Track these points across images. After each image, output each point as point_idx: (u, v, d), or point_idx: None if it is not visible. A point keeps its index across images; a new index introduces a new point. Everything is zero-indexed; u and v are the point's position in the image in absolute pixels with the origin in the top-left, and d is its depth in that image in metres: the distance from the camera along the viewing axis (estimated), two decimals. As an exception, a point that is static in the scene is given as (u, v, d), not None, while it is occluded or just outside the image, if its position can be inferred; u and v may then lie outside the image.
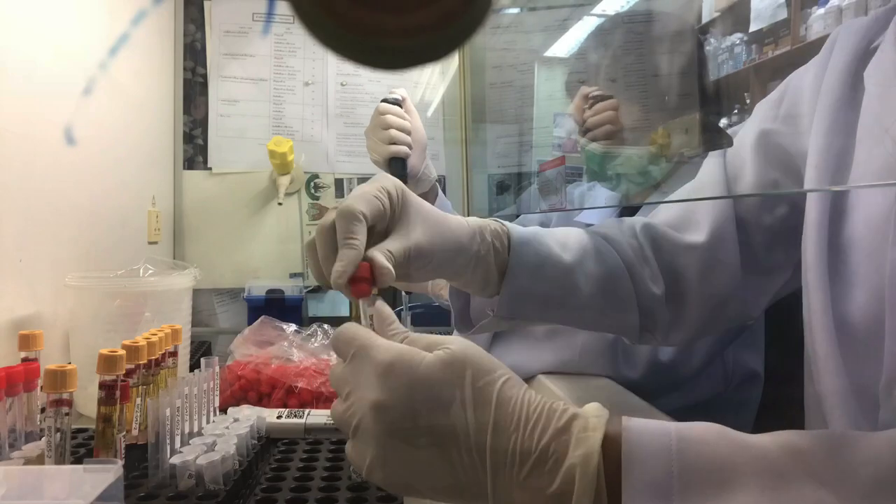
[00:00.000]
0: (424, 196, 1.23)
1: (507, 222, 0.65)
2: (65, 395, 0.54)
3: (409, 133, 1.09)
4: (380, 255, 0.51)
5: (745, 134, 0.72)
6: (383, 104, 1.11)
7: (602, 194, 1.18)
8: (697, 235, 0.70)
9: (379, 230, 0.55)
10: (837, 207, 0.59)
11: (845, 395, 0.56)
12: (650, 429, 0.41)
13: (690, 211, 0.73)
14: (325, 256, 0.53)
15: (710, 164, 0.75)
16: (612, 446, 0.40)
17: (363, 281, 0.50)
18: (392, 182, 0.57)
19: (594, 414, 0.43)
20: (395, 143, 1.07)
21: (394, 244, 0.53)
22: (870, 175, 0.55)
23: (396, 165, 1.07)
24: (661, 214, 0.76)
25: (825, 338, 0.58)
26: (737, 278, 0.69)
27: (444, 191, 1.57)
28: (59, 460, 0.54)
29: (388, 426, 0.42)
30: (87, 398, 0.79)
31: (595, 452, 0.40)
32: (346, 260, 0.50)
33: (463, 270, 0.61)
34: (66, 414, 0.54)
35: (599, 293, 0.66)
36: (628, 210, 1.09)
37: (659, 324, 0.71)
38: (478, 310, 0.68)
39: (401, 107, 1.10)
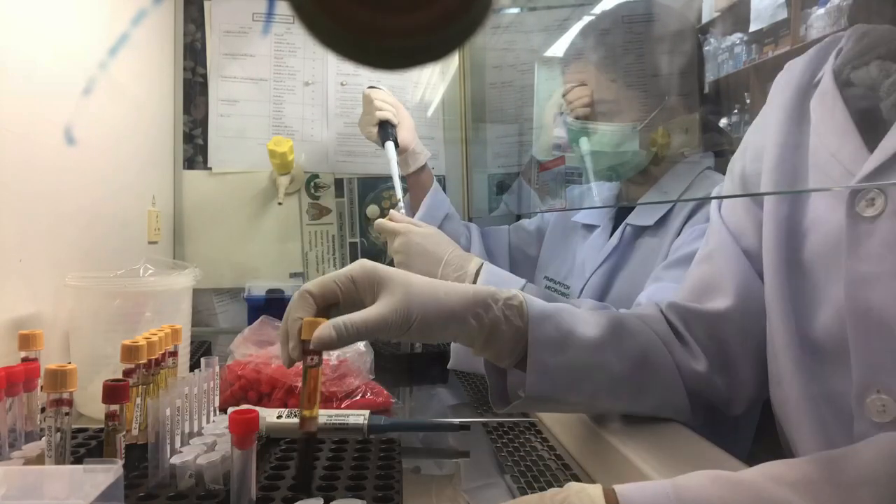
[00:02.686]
0: (417, 175, 1.28)
1: (523, 294, 0.64)
2: (65, 395, 0.54)
3: (394, 107, 1.25)
4: (325, 326, 0.56)
5: (730, 189, 0.74)
6: (367, 89, 1.26)
7: (599, 194, 1.19)
8: (724, 301, 0.69)
9: (348, 306, 0.60)
10: (794, 229, 0.62)
11: (810, 406, 0.59)
12: (647, 494, 0.43)
13: (708, 279, 0.72)
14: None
15: (715, 231, 0.75)
16: None
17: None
18: (360, 266, 0.61)
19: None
20: (382, 110, 1.23)
21: (354, 316, 0.57)
22: (827, 195, 0.59)
23: (385, 129, 1.21)
24: (679, 293, 0.75)
25: (789, 354, 0.60)
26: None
27: (444, 191, 1.57)
28: (60, 460, 0.54)
29: None
30: (87, 398, 0.79)
31: None
32: (285, 330, 0.59)
33: (465, 338, 0.61)
34: (67, 414, 0.54)
35: (636, 370, 0.65)
36: (625, 210, 1.09)
37: (713, 399, 0.69)
38: (515, 385, 0.67)
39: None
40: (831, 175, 0.58)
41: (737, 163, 0.73)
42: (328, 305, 0.60)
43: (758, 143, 0.69)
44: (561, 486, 0.46)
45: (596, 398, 0.65)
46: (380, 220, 1.11)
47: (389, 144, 1.21)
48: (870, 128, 0.55)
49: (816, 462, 0.43)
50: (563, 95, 1.11)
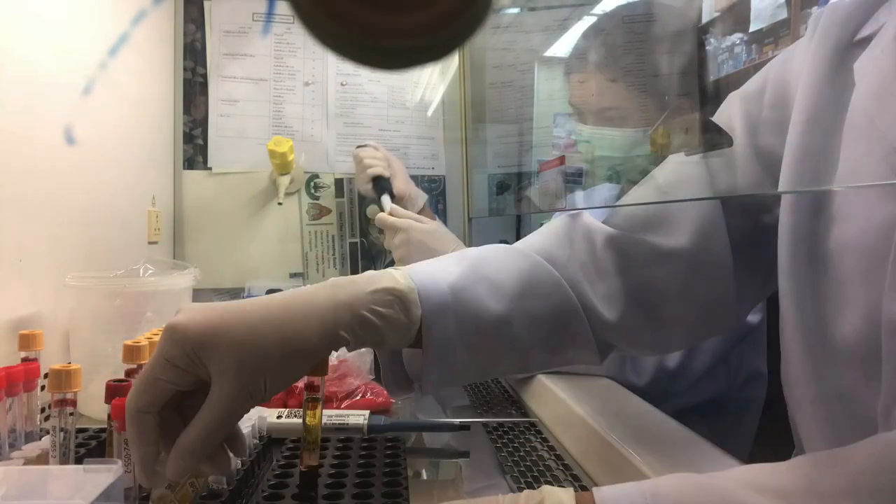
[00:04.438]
0: (420, 213, 1.28)
1: (409, 279, 0.54)
2: (69, 395, 0.54)
3: (383, 160, 1.28)
4: (170, 464, 0.45)
5: (730, 126, 0.65)
6: (355, 149, 1.32)
7: (602, 195, 1.18)
8: (678, 239, 0.63)
9: (191, 391, 0.47)
10: (821, 213, 0.53)
11: (815, 401, 0.55)
12: (624, 491, 0.42)
13: (663, 212, 0.65)
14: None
15: (687, 162, 0.69)
16: None
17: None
18: (171, 347, 0.46)
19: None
20: (372, 167, 1.25)
21: (189, 431, 0.46)
22: (861, 179, 0.50)
23: (380, 184, 1.23)
24: (621, 218, 0.68)
25: (802, 349, 0.55)
26: (726, 283, 0.63)
27: (444, 191, 1.57)
28: (64, 460, 0.54)
29: None
30: (87, 398, 0.79)
31: None
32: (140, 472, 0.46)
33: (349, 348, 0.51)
34: (71, 414, 0.54)
35: (546, 336, 0.60)
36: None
37: (618, 348, 0.66)
38: (412, 366, 0.60)
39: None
40: (879, 164, 0.48)
41: (748, 103, 0.64)
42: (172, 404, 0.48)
43: (781, 89, 0.60)
44: (562, 487, 0.45)
45: (504, 372, 0.66)
46: (381, 215, 1.11)
47: (386, 198, 1.23)
48: None
49: (801, 468, 0.41)
50: (570, 101, 1.10)
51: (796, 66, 0.59)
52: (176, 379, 0.46)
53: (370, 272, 0.55)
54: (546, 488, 0.43)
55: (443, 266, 0.59)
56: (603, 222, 0.68)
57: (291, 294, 0.51)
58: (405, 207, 1.27)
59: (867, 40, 0.53)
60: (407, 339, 0.54)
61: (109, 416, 0.54)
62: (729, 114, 0.65)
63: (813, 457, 0.42)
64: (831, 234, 0.52)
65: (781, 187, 0.57)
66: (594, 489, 0.43)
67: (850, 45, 0.55)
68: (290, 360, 0.48)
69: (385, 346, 0.55)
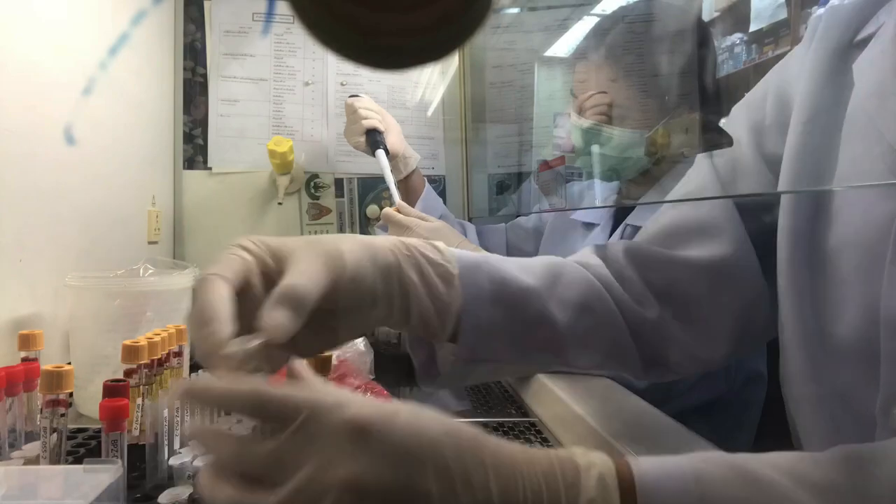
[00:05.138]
0: (409, 178, 1.28)
1: (441, 245, 0.54)
2: (61, 396, 0.54)
3: (378, 113, 1.23)
4: (272, 313, 0.40)
5: (737, 136, 0.65)
6: (348, 99, 1.26)
7: (600, 193, 1.18)
8: (708, 249, 0.62)
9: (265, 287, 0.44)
10: (820, 213, 0.53)
11: (814, 400, 0.55)
12: (668, 488, 0.37)
13: (686, 222, 0.65)
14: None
15: (700, 171, 0.68)
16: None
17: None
18: (272, 239, 0.46)
19: (600, 469, 0.37)
20: (367, 119, 1.21)
21: (287, 281, 0.42)
22: (860, 179, 0.50)
23: (373, 136, 1.18)
24: (646, 233, 0.68)
25: (801, 347, 0.55)
26: (759, 287, 0.62)
27: (444, 191, 1.57)
28: (55, 461, 0.54)
29: None
30: (87, 398, 0.79)
31: None
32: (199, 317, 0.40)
33: (385, 304, 0.49)
34: (63, 415, 0.54)
35: (576, 318, 0.57)
36: (625, 209, 1.09)
37: (661, 352, 0.62)
38: (446, 359, 0.57)
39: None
40: (878, 163, 0.48)
41: (751, 111, 0.64)
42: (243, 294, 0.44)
43: (784, 94, 0.60)
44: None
45: (537, 353, 0.58)
46: (387, 210, 1.10)
47: (380, 153, 1.20)
48: None
49: (840, 464, 0.39)
50: (574, 96, 1.09)
51: (795, 69, 0.59)
52: (248, 251, 0.44)
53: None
54: (577, 451, 0.38)
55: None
56: (636, 239, 0.68)
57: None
58: (398, 166, 1.27)
59: (867, 41, 0.53)
60: (452, 292, 0.52)
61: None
62: (734, 124, 0.65)
63: (843, 451, 0.40)
64: (830, 233, 0.52)
65: (781, 187, 0.57)
66: (630, 459, 0.38)
67: (850, 46, 0.55)
68: (369, 260, 0.47)
69: (419, 307, 0.51)
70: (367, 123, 1.20)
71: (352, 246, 0.47)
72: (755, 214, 0.63)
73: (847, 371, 0.52)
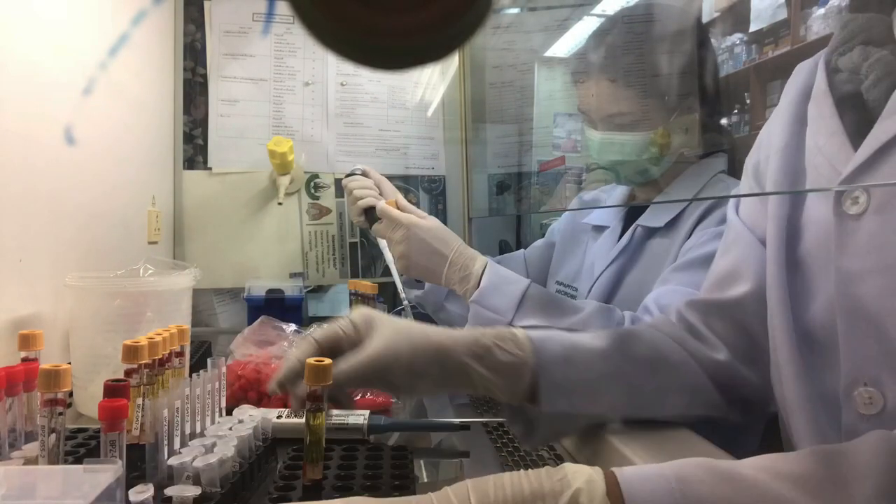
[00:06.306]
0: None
1: (516, 327, 0.65)
2: (59, 395, 0.54)
3: (373, 188, 1.22)
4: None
5: (746, 185, 0.76)
6: (344, 179, 1.25)
7: (615, 198, 1.18)
8: (742, 287, 0.69)
9: (349, 351, 0.61)
10: (793, 226, 0.64)
11: (806, 400, 0.59)
12: (648, 476, 0.43)
13: (728, 269, 0.72)
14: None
15: (732, 227, 0.75)
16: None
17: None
18: (359, 314, 0.64)
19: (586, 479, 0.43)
20: (362, 199, 1.19)
21: (347, 357, 0.60)
22: (818, 193, 0.61)
23: (372, 214, 1.16)
24: (701, 290, 0.76)
25: (786, 348, 0.61)
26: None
27: (444, 191, 1.57)
28: (53, 461, 0.54)
29: None
30: (87, 398, 0.79)
31: None
32: (283, 367, 0.61)
33: (463, 380, 0.61)
34: (60, 414, 0.54)
35: (652, 372, 0.65)
36: (634, 210, 1.09)
37: (745, 391, 0.69)
38: (536, 418, 0.65)
39: (365, 176, 1.24)
40: (822, 174, 0.60)
41: (751, 159, 0.75)
42: (332, 352, 0.62)
43: (768, 142, 0.71)
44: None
45: (617, 407, 0.65)
46: (383, 206, 1.08)
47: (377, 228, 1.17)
48: (855, 125, 0.58)
49: (813, 456, 0.44)
50: (582, 111, 1.09)
51: (773, 123, 0.71)
52: (347, 331, 0.62)
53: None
54: (568, 465, 0.45)
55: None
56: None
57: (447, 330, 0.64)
58: None
59: None
60: (525, 372, 0.62)
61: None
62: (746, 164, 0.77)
63: (822, 448, 0.45)
64: (800, 241, 0.62)
65: (768, 200, 0.67)
66: (615, 469, 0.44)
67: (809, 91, 0.65)
68: (424, 350, 0.60)
69: (501, 374, 0.62)
70: (363, 203, 1.18)
71: (415, 344, 0.61)
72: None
73: (821, 365, 0.59)
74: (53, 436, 0.54)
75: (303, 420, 0.57)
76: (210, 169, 1.47)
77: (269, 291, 1.37)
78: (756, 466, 0.43)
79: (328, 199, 1.52)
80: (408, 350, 0.60)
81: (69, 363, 0.61)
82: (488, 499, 0.42)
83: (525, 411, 0.64)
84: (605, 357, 0.64)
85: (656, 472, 0.43)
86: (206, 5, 1.48)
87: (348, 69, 1.52)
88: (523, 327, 0.65)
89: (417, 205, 1.50)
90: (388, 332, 0.61)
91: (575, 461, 0.67)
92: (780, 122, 0.68)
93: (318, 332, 0.63)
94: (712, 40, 1.16)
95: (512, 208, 1.61)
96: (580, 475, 0.43)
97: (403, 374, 0.60)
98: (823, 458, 0.43)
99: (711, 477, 0.43)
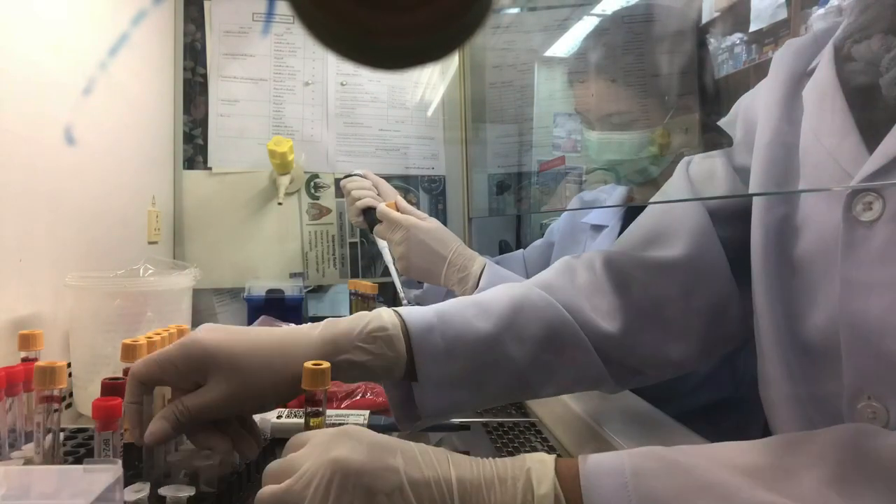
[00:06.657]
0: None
1: (400, 314, 0.60)
2: (55, 392, 0.53)
3: (371, 188, 1.22)
4: (155, 420, 0.54)
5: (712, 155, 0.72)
6: (342, 181, 1.27)
7: (616, 198, 1.18)
8: (673, 250, 0.66)
9: (192, 382, 0.56)
10: (787, 225, 0.59)
11: (796, 401, 0.58)
12: (607, 485, 0.44)
13: (658, 227, 0.70)
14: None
15: (677, 179, 0.73)
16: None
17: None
18: (183, 349, 0.55)
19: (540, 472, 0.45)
20: (360, 199, 1.20)
21: (186, 400, 0.55)
22: (821, 193, 0.56)
23: (371, 215, 1.16)
24: (621, 242, 0.73)
25: (776, 351, 0.59)
26: (726, 289, 0.66)
27: (444, 191, 1.57)
28: (49, 461, 0.53)
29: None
30: (87, 398, 0.79)
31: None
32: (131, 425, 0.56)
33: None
34: (56, 411, 0.54)
35: (540, 352, 0.62)
36: (632, 210, 1.09)
37: (632, 363, 0.67)
38: (422, 401, 0.62)
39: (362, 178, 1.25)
40: (827, 174, 0.55)
41: (725, 129, 0.72)
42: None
43: (749, 117, 0.67)
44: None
45: (504, 393, 0.64)
46: (383, 207, 1.09)
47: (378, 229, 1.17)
48: (868, 123, 0.53)
49: (774, 444, 0.44)
50: (579, 112, 1.09)
51: (761, 97, 0.66)
52: (169, 371, 0.55)
53: (362, 313, 0.60)
54: (527, 455, 0.47)
55: (440, 304, 0.64)
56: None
57: (290, 330, 0.59)
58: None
59: (814, 71, 0.60)
60: (396, 371, 0.59)
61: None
62: None
63: (782, 437, 0.46)
64: (796, 242, 0.58)
65: (752, 200, 0.63)
66: (579, 456, 0.46)
67: (802, 76, 0.61)
68: (274, 389, 0.56)
69: (377, 379, 0.60)
70: (361, 204, 1.19)
71: (261, 364, 0.55)
72: (729, 222, 0.67)
73: (817, 372, 0.56)
74: (50, 436, 0.54)
75: (297, 420, 0.57)
76: (210, 169, 1.47)
77: (269, 291, 1.37)
78: (709, 456, 0.44)
79: (328, 199, 1.52)
80: (255, 394, 0.55)
81: (68, 363, 0.61)
82: (463, 468, 0.45)
83: (408, 393, 0.62)
84: (490, 344, 0.61)
85: (613, 458, 0.46)
86: (206, 5, 1.48)
87: (348, 69, 1.52)
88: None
89: (417, 205, 1.50)
90: (227, 373, 0.54)
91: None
92: (766, 107, 0.63)
93: (139, 371, 0.55)
94: (712, 40, 1.17)
95: (512, 208, 1.61)
96: (534, 458, 0.46)
97: (268, 404, 0.57)
98: (786, 445, 0.44)
99: (666, 470, 0.43)
